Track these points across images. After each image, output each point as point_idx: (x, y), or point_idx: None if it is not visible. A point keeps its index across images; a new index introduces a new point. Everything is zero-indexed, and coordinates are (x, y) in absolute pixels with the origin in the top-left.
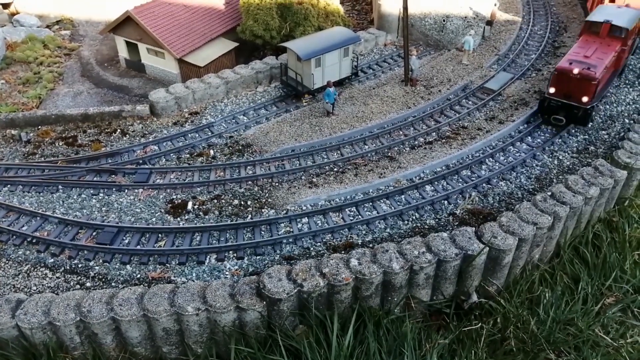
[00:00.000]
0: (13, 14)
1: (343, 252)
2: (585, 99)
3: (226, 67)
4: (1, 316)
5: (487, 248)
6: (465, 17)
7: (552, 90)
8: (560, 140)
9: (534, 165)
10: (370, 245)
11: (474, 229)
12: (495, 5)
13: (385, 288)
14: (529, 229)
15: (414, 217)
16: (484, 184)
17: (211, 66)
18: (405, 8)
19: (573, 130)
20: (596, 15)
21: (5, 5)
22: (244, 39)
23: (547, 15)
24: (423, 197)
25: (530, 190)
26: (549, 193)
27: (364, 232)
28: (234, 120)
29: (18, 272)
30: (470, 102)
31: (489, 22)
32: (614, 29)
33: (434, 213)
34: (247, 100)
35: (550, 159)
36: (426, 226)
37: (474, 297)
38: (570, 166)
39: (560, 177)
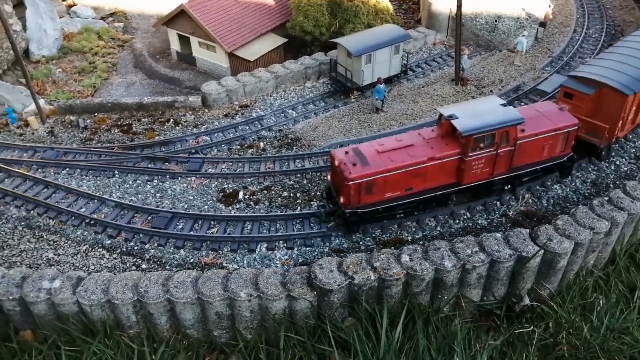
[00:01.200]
0: (70, 6)
1: (393, 247)
2: None
3: (274, 62)
4: (63, 292)
5: (542, 251)
6: (518, 18)
7: None
8: (617, 145)
9: (590, 169)
10: (421, 243)
11: (528, 230)
12: (549, 6)
13: (435, 285)
14: (586, 234)
15: (465, 217)
16: (537, 187)
17: (260, 61)
18: (459, 7)
19: (631, 137)
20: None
21: None
22: (292, 35)
23: (602, 18)
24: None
25: (586, 194)
26: (607, 198)
27: (413, 229)
28: (283, 114)
29: (77, 252)
30: (522, 104)
31: (543, 24)
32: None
33: (485, 213)
34: (296, 95)
35: (607, 164)
36: (478, 226)
37: (526, 300)
38: (628, 172)
39: (618, 182)
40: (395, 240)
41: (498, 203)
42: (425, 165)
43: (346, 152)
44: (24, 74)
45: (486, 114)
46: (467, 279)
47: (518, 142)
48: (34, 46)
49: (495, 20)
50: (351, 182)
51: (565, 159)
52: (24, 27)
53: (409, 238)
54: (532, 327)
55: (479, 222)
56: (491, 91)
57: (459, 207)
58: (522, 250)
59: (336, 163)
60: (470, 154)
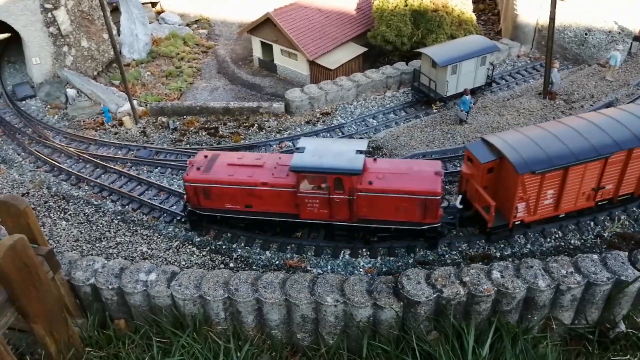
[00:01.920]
0: (159, 13)
1: (481, 262)
2: None
3: (353, 71)
4: (159, 285)
5: None
6: (610, 32)
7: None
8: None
9: None
10: (510, 260)
11: (626, 253)
12: None
13: (526, 305)
14: None
15: (556, 235)
16: (634, 208)
17: (339, 69)
18: (552, 19)
19: None
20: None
21: (154, 4)
22: (372, 44)
23: None
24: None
25: None
26: None
27: (502, 245)
28: (363, 123)
29: (169, 247)
30: None
31: (637, 38)
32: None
33: (578, 233)
34: (376, 104)
35: None
36: (570, 246)
37: (622, 327)
38: None
39: None
40: (483, 255)
41: (592, 223)
42: (258, 188)
43: (205, 156)
44: (122, 76)
45: (330, 156)
46: (560, 301)
47: (359, 193)
48: (125, 50)
49: (585, 34)
50: (186, 183)
51: (425, 227)
52: (118, 32)
53: (498, 254)
54: (627, 356)
55: (572, 242)
56: (582, 106)
57: (550, 225)
58: (621, 274)
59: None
60: (302, 191)
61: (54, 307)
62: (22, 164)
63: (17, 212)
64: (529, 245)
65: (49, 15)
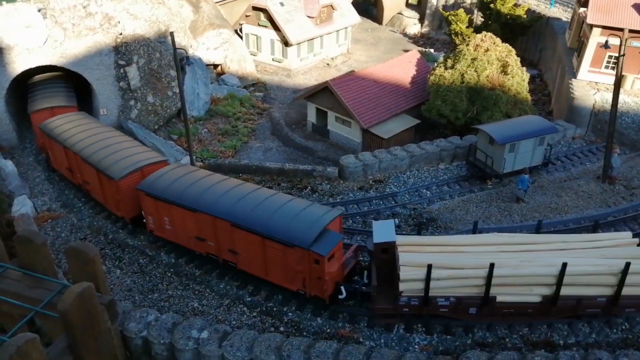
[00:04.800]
0: (220, 74)
1: (543, 350)
2: None
3: (405, 141)
4: (210, 343)
5: None
6: None
7: None
8: None
9: None
10: (574, 349)
11: None
12: None
13: None
14: None
15: (623, 327)
16: None
17: (392, 139)
18: (614, 105)
19: None
20: None
21: (216, 66)
22: (425, 117)
23: None
24: None
25: None
26: None
27: (565, 332)
28: (416, 193)
29: (220, 305)
30: None
31: None
32: None
33: None
34: (429, 175)
35: None
36: (639, 339)
37: None
38: None
39: None
40: (546, 342)
41: None
42: None
43: None
44: (187, 132)
45: None
46: None
47: None
48: (186, 107)
49: None
50: None
51: None
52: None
53: (561, 342)
54: None
55: None
56: None
57: (616, 316)
58: None
59: None
60: None
61: (107, 358)
62: (82, 209)
63: (85, 259)
64: (594, 335)
65: (121, 70)
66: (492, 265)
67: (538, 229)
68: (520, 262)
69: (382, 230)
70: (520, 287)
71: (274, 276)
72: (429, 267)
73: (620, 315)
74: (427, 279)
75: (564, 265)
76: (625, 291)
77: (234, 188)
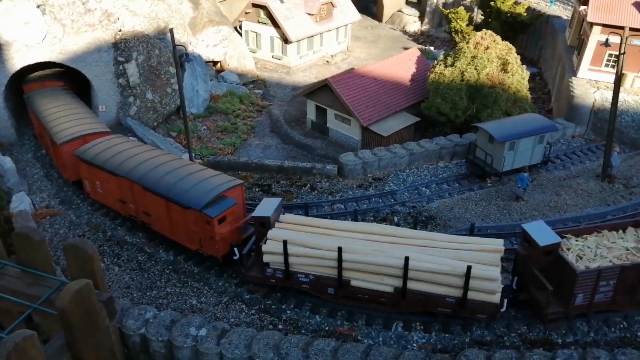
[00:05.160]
0: (219, 71)
1: (541, 348)
2: None
3: (405, 139)
4: (209, 341)
5: None
6: None
7: None
8: None
9: None
10: (573, 348)
11: None
12: None
13: None
14: None
15: (621, 326)
16: None
17: (391, 137)
18: (614, 103)
19: None
20: None
21: (215, 63)
22: (425, 115)
23: None
24: None
25: None
26: None
27: (563, 331)
28: (415, 191)
29: (218, 302)
30: None
31: None
32: None
33: None
34: (429, 173)
35: None
36: (638, 339)
37: None
38: None
39: None
40: (544, 341)
41: None
42: None
43: None
44: (185, 129)
45: None
46: None
47: None
48: (185, 104)
49: None
50: None
51: None
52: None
53: (559, 341)
54: None
55: (639, 333)
56: None
57: (614, 315)
58: None
59: None
60: None
61: (105, 355)
62: (80, 206)
63: (83, 256)
64: (592, 334)
65: (120, 67)
66: (340, 249)
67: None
68: (372, 250)
69: (265, 207)
70: (372, 275)
71: (178, 236)
72: (284, 242)
73: (473, 319)
74: (285, 253)
75: (407, 259)
76: (471, 295)
77: (154, 158)
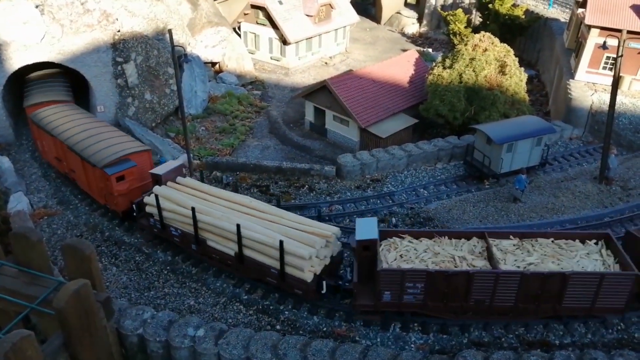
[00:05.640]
0: (217, 72)
1: (539, 349)
2: None
3: (403, 141)
4: (206, 341)
5: None
6: None
7: None
8: None
9: None
10: (570, 349)
11: None
12: None
13: None
14: None
15: (619, 327)
16: None
17: (390, 138)
18: (612, 105)
19: None
20: None
21: (214, 64)
22: (424, 116)
23: None
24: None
25: None
26: None
27: (561, 332)
28: (414, 193)
29: (216, 303)
30: None
31: None
32: None
33: None
34: (427, 174)
35: None
36: (635, 340)
37: None
38: None
39: None
40: (542, 342)
41: None
42: None
43: None
44: (184, 130)
45: None
46: None
47: None
48: (184, 105)
49: None
50: None
51: None
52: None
53: (557, 342)
54: None
55: (636, 335)
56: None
57: (612, 316)
58: None
59: None
60: None
61: (103, 356)
62: (78, 206)
63: (81, 257)
64: (589, 335)
65: (119, 68)
66: (193, 209)
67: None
68: (221, 215)
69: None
70: (221, 238)
71: (92, 192)
72: (156, 196)
73: (292, 293)
74: (158, 207)
75: (238, 226)
76: (287, 270)
77: (87, 124)
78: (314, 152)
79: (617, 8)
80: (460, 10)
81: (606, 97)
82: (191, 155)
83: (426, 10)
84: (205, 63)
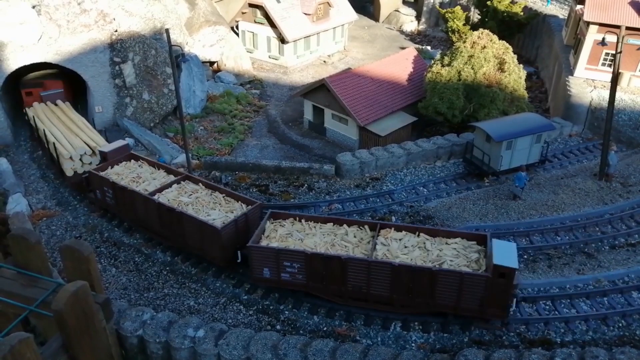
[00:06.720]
0: (216, 71)
1: (540, 347)
2: None
3: (402, 139)
4: (207, 342)
5: None
6: None
7: None
8: None
9: None
10: (571, 347)
11: None
12: None
13: None
14: None
15: (620, 325)
16: None
17: (389, 137)
18: (611, 102)
19: None
20: None
21: (212, 63)
22: (422, 114)
23: None
24: (630, 303)
25: None
26: None
27: (562, 330)
28: (413, 191)
29: (216, 303)
30: None
31: None
32: None
33: None
34: (426, 173)
35: None
36: (636, 337)
37: None
38: None
39: None
40: (543, 340)
41: None
42: None
43: None
44: (182, 130)
45: None
46: None
47: None
48: (182, 104)
49: None
50: None
51: None
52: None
53: (558, 340)
54: None
55: (637, 332)
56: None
57: (612, 312)
58: None
59: None
60: None
61: (102, 357)
62: (77, 208)
63: (80, 258)
64: (590, 333)
65: (117, 68)
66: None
67: None
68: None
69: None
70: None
71: None
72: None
73: None
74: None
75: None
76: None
77: None
78: (313, 151)
79: (616, 4)
80: (458, 7)
81: (605, 94)
82: (190, 154)
83: (424, 8)
84: (203, 62)
